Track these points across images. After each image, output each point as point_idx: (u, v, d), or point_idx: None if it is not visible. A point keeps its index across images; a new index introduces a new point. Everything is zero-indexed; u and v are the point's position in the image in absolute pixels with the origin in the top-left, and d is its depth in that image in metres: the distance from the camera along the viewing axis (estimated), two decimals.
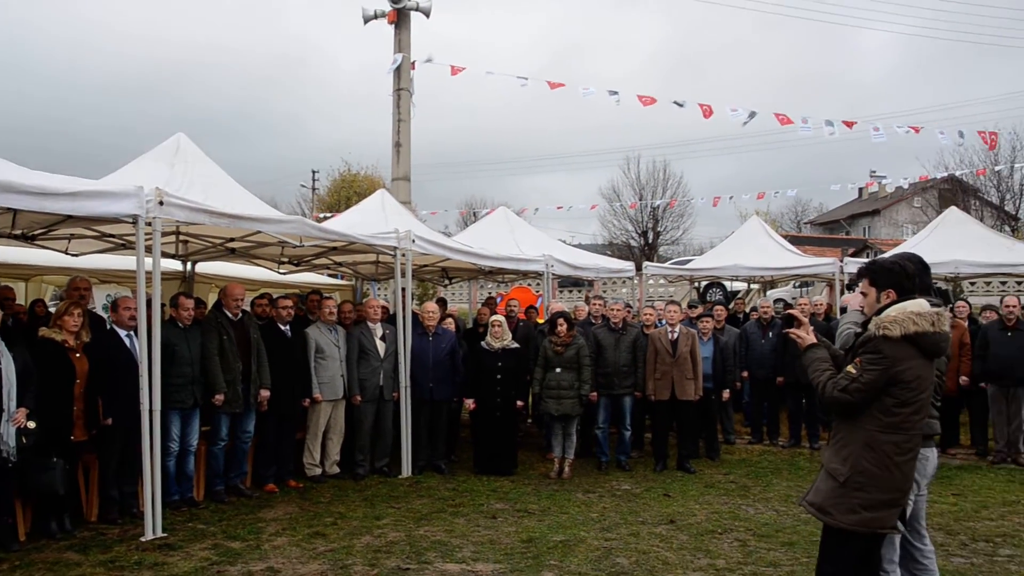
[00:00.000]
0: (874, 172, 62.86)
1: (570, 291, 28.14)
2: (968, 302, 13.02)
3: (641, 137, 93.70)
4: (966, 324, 11.53)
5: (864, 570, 4.23)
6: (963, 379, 10.94)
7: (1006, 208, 52.48)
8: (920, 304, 4.12)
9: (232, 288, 8.58)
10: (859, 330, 4.43)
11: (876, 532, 4.09)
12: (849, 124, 22.18)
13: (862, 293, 4.44)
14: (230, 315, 8.46)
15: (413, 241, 9.56)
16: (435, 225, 46.52)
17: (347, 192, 38.90)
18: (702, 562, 6.47)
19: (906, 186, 57.87)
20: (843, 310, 10.14)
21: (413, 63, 16.75)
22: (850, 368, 4.10)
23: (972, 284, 23.75)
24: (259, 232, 8.38)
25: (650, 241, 48.13)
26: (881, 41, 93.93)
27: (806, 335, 4.41)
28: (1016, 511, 8.30)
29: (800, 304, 12.88)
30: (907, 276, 4.32)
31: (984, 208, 53.26)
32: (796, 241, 50.94)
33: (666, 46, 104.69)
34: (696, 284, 23.91)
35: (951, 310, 11.64)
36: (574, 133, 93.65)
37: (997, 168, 43.98)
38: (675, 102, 18.58)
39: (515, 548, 6.76)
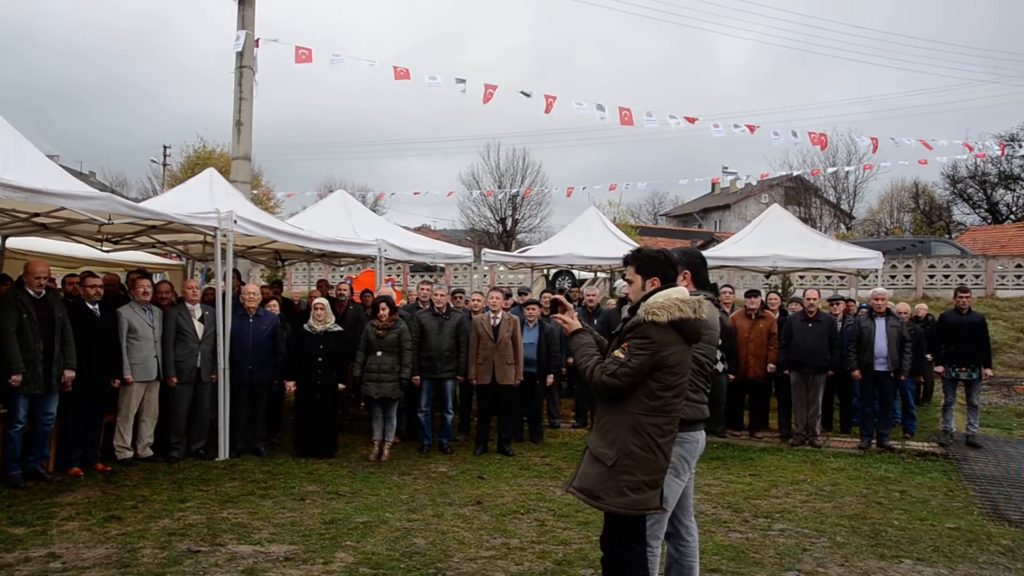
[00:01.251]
0: (726, 168, 65.40)
1: (422, 275, 28.16)
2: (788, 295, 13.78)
3: (509, 125, 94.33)
4: (776, 315, 12.23)
5: (636, 547, 4.38)
6: (771, 367, 11.60)
7: (842, 207, 55.58)
8: (682, 291, 4.32)
9: (34, 265, 8.26)
10: (626, 315, 4.62)
11: (642, 513, 4.25)
12: (691, 120, 23.03)
13: (628, 280, 4.55)
14: (32, 293, 8.13)
15: (235, 222, 9.40)
16: (293, 206, 45.59)
17: (202, 169, 37.63)
18: (497, 541, 6.68)
19: (754, 183, 60.70)
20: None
21: (257, 41, 16.35)
22: (618, 353, 4.21)
23: (802, 278, 25.10)
24: (64, 208, 8.07)
25: (508, 228, 48.60)
26: (737, 46, 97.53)
27: (572, 320, 4.53)
28: (801, 489, 8.89)
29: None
30: (671, 265, 4.49)
31: (824, 206, 56.36)
32: (650, 232, 52.60)
33: (537, 36, 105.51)
34: (545, 272, 24.33)
35: (764, 303, 12.33)
36: (442, 117, 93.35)
37: (831, 170, 46.34)
38: (522, 92, 18.81)
39: (315, 530, 6.81)
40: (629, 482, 4.14)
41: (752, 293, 11.97)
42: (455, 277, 29.74)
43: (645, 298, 4.33)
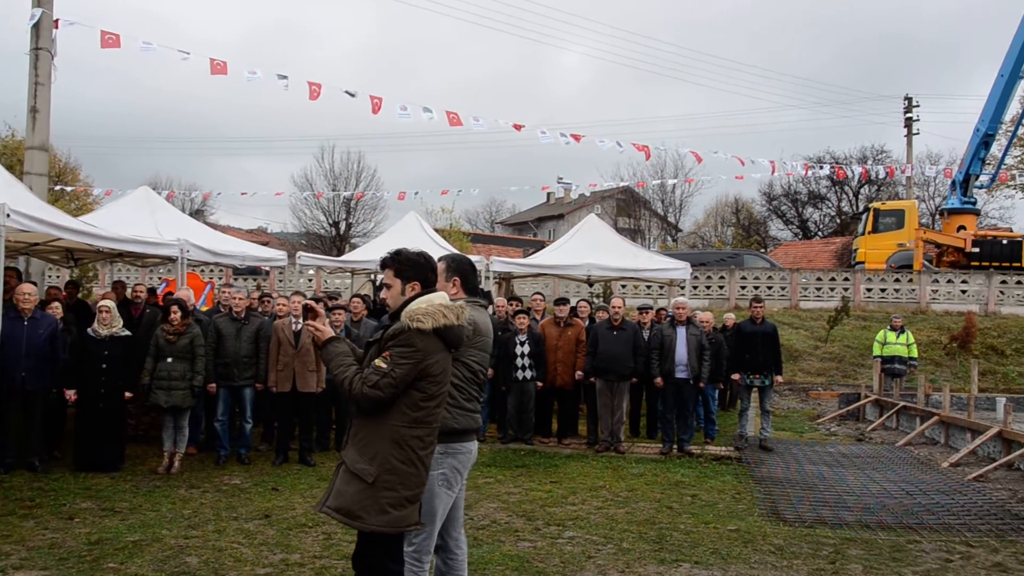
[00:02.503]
0: (561, 179, 66.70)
1: (245, 279, 27.21)
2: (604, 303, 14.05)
3: (348, 128, 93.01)
4: (585, 323, 12.44)
5: (393, 566, 4.21)
6: (579, 374, 11.77)
7: (669, 219, 57.83)
8: (443, 296, 4.20)
9: None
10: (386, 322, 4.44)
11: (403, 530, 4.08)
12: (518, 126, 23.26)
13: (386, 285, 4.34)
14: None
15: (8, 215, 8.66)
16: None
17: (9, 160, 35.10)
18: (276, 557, 6.39)
19: (587, 193, 62.32)
20: None
21: (56, 21, 15.28)
22: (379, 362, 3.99)
23: (624, 287, 25.79)
24: None
25: (341, 232, 47.79)
26: (576, 60, 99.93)
27: (323, 328, 4.29)
28: (598, 495, 9.02)
29: None
30: (431, 269, 4.35)
31: (652, 218, 58.51)
32: (484, 240, 52.99)
33: (377, 39, 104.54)
34: (372, 277, 23.96)
35: (573, 310, 12.51)
36: (282, 117, 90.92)
37: (655, 182, 48.15)
38: (347, 92, 18.45)
39: (76, 551, 6.31)
40: (391, 499, 3.95)
41: (561, 301, 12.13)
42: (280, 281, 28.92)
43: (406, 304, 4.16)
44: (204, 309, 12.54)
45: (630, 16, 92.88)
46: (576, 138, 24.26)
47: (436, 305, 4.08)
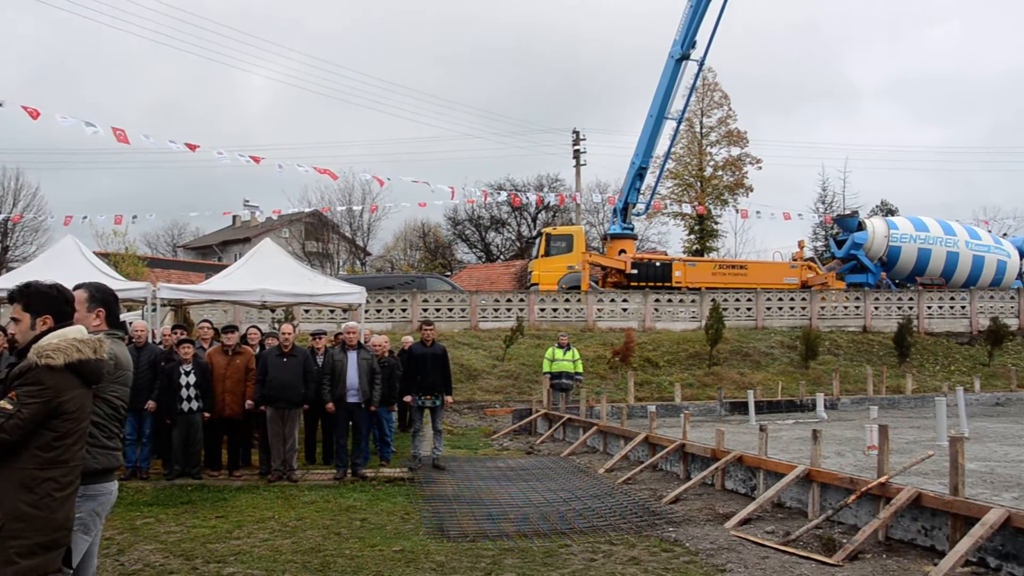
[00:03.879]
0: (247, 201, 64.53)
1: None
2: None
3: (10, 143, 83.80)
4: (256, 350, 12.10)
5: None
6: (248, 403, 11.39)
7: (358, 243, 57.94)
8: (80, 330, 3.93)
9: None
10: (13, 360, 4.09)
11: None
12: (192, 147, 22.28)
13: (14, 319, 4.04)
14: None
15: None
16: None
17: None
18: None
19: (275, 217, 60.91)
20: None
21: None
22: (4, 403, 3.67)
23: (307, 311, 25.45)
24: None
25: None
26: (261, 82, 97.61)
27: None
28: (266, 527, 8.76)
29: None
30: (66, 301, 4.08)
31: (341, 242, 58.30)
32: (165, 264, 50.00)
33: (45, 51, 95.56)
34: None
35: (244, 337, 12.12)
36: None
37: (341, 208, 48.16)
38: None
39: None
40: (19, 547, 3.61)
41: (229, 329, 11.71)
42: None
43: (36, 339, 3.87)
44: None
45: (319, 41, 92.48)
46: (256, 160, 23.73)
47: (69, 340, 3.84)
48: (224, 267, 49.20)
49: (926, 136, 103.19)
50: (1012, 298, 32.34)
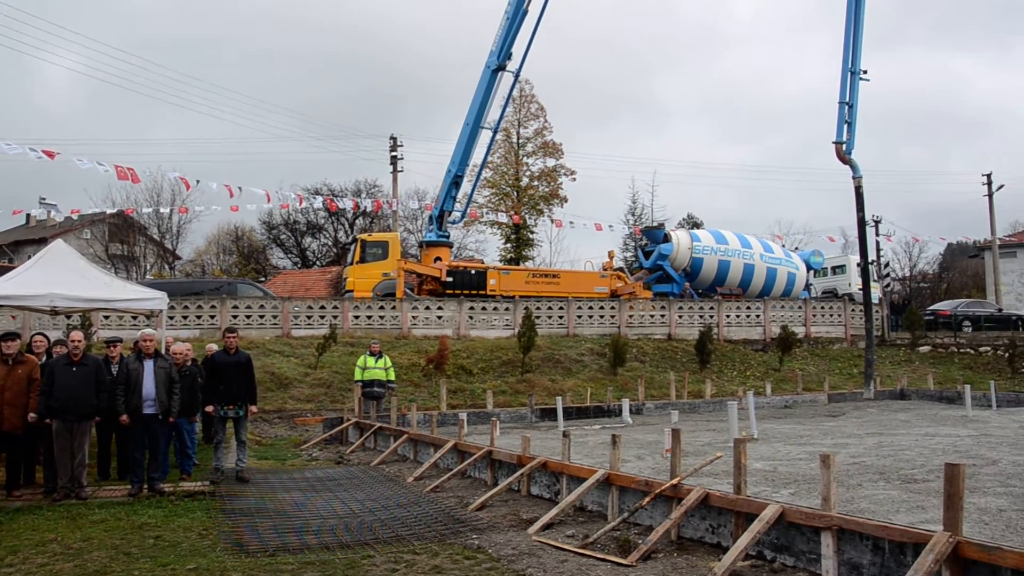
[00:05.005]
0: (43, 199, 60.36)
1: None
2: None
3: None
4: (42, 359, 11.31)
5: None
6: (31, 416, 10.61)
7: (167, 246, 55.33)
8: None
9: None
10: None
11: None
12: None
13: None
14: None
15: None
16: None
17: None
18: None
19: (76, 217, 57.21)
20: None
21: None
22: None
23: (107, 318, 24.05)
24: None
25: None
26: (60, 74, 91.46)
27: None
28: (45, 551, 8.16)
29: None
30: None
31: (149, 244, 55.45)
32: None
33: None
34: None
35: (30, 345, 11.31)
36: None
37: (147, 210, 45.98)
38: None
39: None
40: None
41: (8, 336, 10.86)
42: None
43: None
44: None
45: (120, 32, 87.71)
46: (50, 155, 22.21)
47: None
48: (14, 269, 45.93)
49: (728, 153, 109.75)
50: (800, 308, 34.79)
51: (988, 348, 32.88)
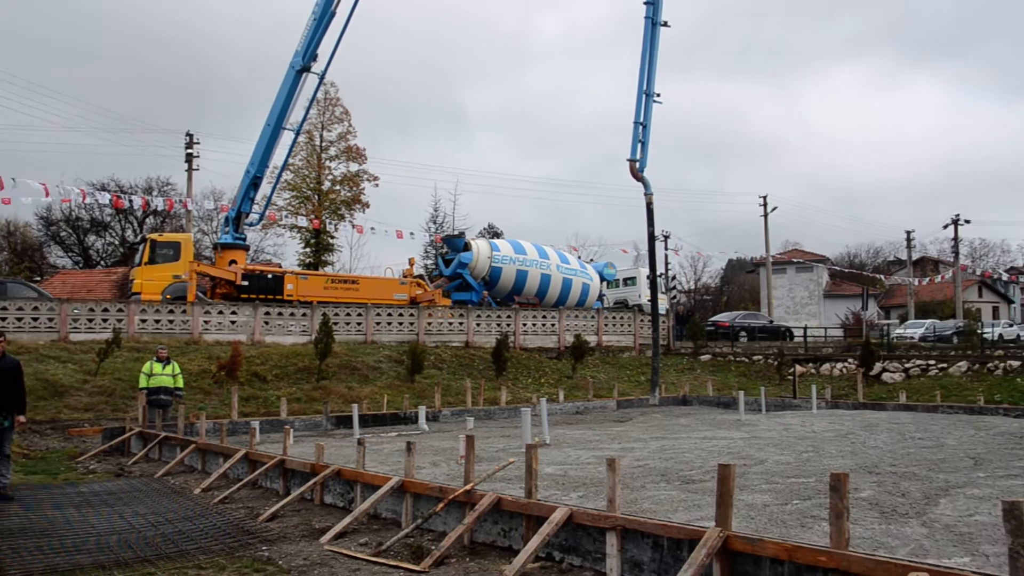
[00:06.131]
0: None
1: None
2: None
3: None
4: None
5: None
6: None
7: None
8: None
9: None
10: None
11: None
12: None
13: None
14: None
15: None
16: None
17: None
18: None
19: None
20: None
21: None
22: None
23: None
24: None
25: None
26: None
27: None
28: None
29: None
30: None
31: None
32: None
33: None
34: None
35: None
36: None
37: None
38: None
39: None
40: None
41: None
42: None
43: None
44: None
45: None
46: None
47: None
48: None
49: (530, 166, 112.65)
50: (593, 317, 36.22)
51: (760, 357, 35.48)
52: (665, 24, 28.16)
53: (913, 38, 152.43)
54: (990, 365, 28.92)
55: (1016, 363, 28.36)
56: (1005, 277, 68.10)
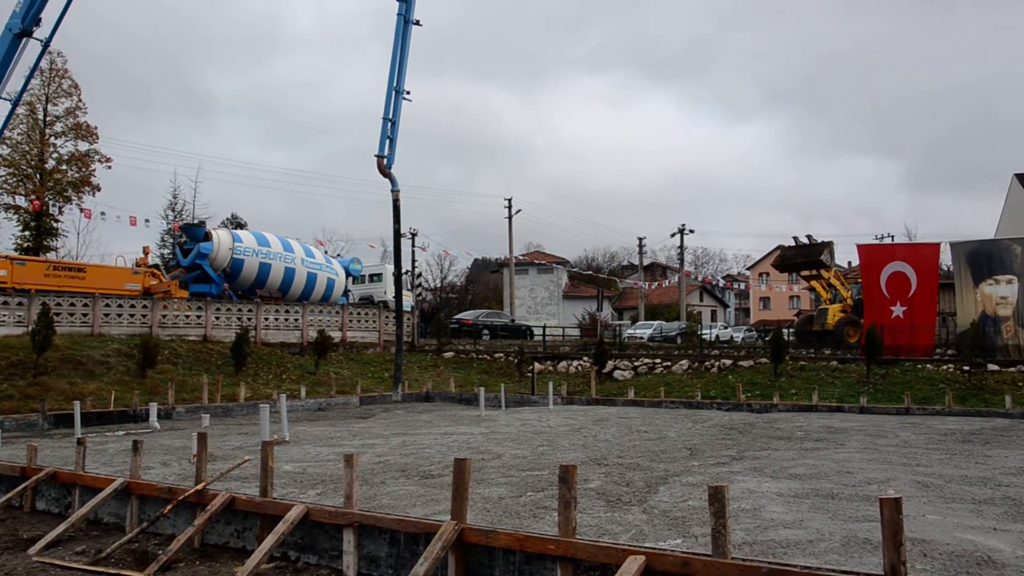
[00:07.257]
0: None
1: None
2: None
3: None
4: None
5: None
6: None
7: None
8: None
9: None
10: None
11: None
12: None
13: None
14: None
15: None
16: None
17: None
18: None
19: None
20: None
21: None
22: None
23: None
24: None
25: None
26: None
27: None
28: None
29: None
30: None
31: None
32: None
33: None
34: None
35: None
36: None
37: None
38: None
39: None
40: None
41: None
42: None
43: None
44: None
45: None
46: None
47: None
48: None
49: (278, 157, 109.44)
50: (338, 313, 35.78)
51: (502, 355, 36.59)
52: (417, 23, 28.40)
53: (650, 56, 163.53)
54: (707, 363, 31.60)
55: (728, 362, 31.20)
56: (722, 283, 74.56)
